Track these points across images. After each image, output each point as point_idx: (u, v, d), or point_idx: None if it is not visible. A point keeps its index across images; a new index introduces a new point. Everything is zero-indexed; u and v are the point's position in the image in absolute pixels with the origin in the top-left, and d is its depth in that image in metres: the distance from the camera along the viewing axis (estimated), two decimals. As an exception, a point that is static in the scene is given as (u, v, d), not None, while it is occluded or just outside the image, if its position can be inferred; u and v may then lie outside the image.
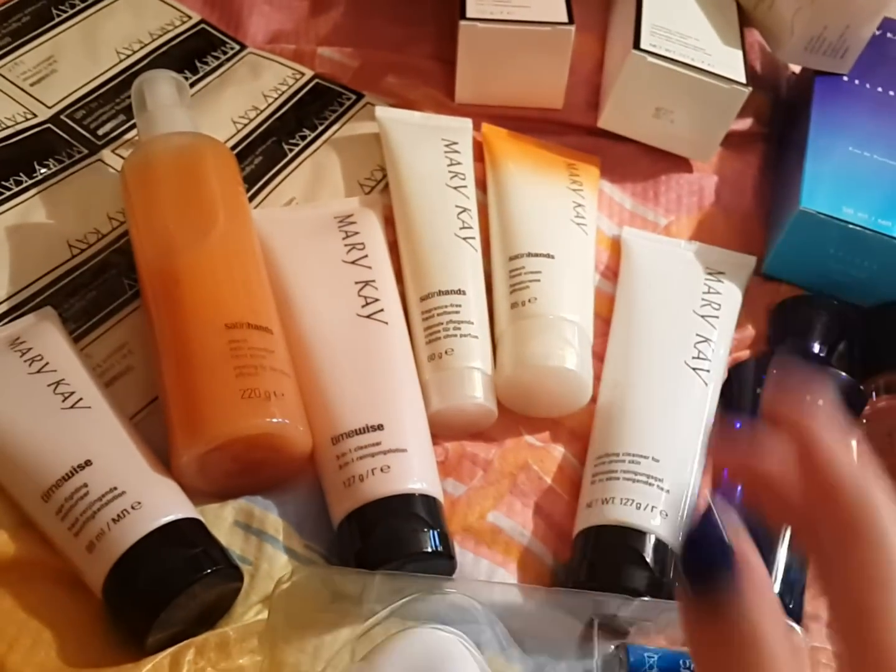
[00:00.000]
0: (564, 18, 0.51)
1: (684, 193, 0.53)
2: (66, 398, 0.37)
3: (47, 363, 0.39)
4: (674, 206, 0.52)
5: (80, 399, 0.38)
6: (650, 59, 0.49)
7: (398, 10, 0.58)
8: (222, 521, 0.38)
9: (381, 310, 0.42)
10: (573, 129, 0.54)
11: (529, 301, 0.43)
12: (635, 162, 0.53)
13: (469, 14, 0.50)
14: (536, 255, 0.45)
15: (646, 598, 0.35)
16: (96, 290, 0.44)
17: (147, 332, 0.41)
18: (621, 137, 0.53)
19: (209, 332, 0.38)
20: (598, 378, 0.44)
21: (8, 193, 0.46)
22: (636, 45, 0.49)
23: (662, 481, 0.38)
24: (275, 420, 0.37)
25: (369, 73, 0.55)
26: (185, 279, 0.39)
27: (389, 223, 0.47)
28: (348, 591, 0.36)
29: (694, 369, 0.42)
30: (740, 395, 0.44)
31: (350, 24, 0.58)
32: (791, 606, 0.38)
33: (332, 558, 0.38)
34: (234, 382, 0.37)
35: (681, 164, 0.54)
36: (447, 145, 0.49)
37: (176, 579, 0.33)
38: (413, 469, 0.38)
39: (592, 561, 0.38)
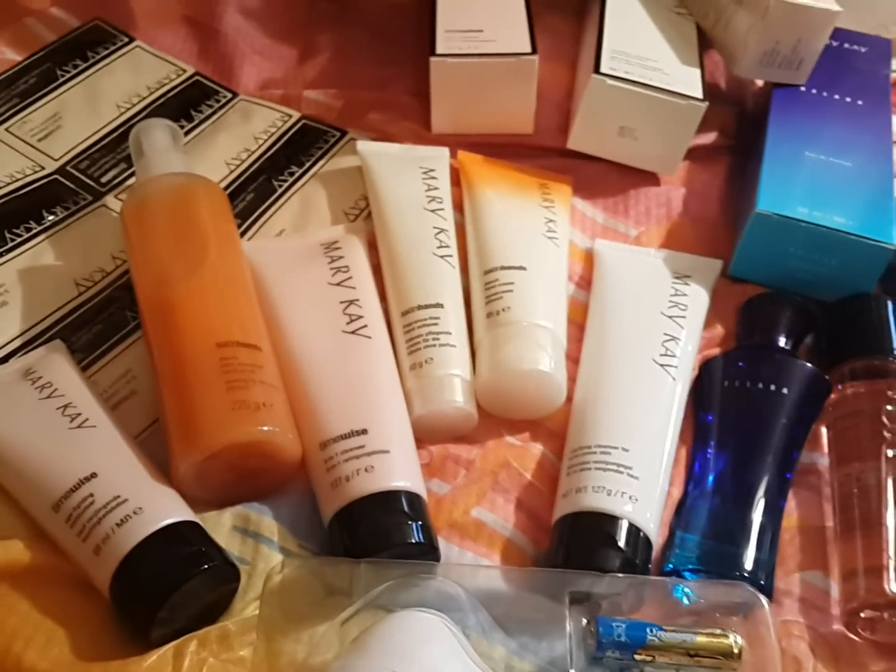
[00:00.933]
0: (528, 49, 0.54)
1: (653, 205, 0.56)
2: (73, 419, 0.41)
3: (56, 389, 0.42)
4: (643, 218, 0.55)
5: (87, 419, 0.41)
6: (610, 81, 0.52)
7: (378, 53, 0.62)
8: (221, 526, 0.40)
9: (365, 325, 0.45)
10: (545, 152, 0.57)
11: (504, 310, 0.46)
12: (605, 179, 0.56)
13: (439, 50, 0.54)
14: (509, 267, 0.48)
15: (616, 574, 0.38)
16: (102, 324, 0.47)
17: (148, 357, 0.44)
18: (592, 157, 0.56)
19: (202, 351, 0.42)
20: (574, 379, 0.47)
21: (19, 240, 0.50)
22: (596, 69, 0.53)
23: (632, 469, 0.41)
24: (265, 428, 0.40)
25: (352, 112, 0.59)
26: (180, 305, 0.43)
27: (373, 247, 0.50)
28: (338, 583, 0.38)
29: (662, 365, 0.45)
30: (710, 388, 0.46)
31: (335, 68, 0.62)
32: (763, 583, 0.40)
33: (324, 555, 0.40)
34: (226, 395, 0.40)
35: (649, 178, 0.57)
36: (425, 172, 0.52)
37: (175, 575, 0.36)
38: (396, 468, 0.40)
39: (568, 545, 0.40)
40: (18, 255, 0.49)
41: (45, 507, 0.38)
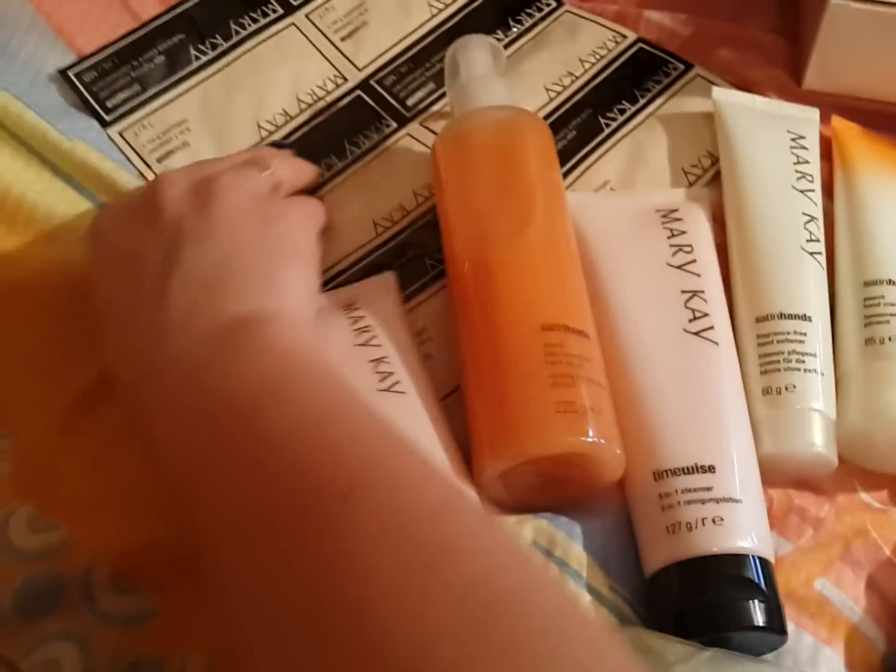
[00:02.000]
0: (956, 2, 0.43)
1: None
2: (383, 379, 0.35)
3: (374, 336, 0.37)
4: None
5: (397, 382, 0.35)
6: None
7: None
8: (520, 538, 0.34)
9: (711, 327, 0.37)
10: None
11: (890, 339, 0.37)
12: None
13: (840, -10, 0.43)
14: None
15: None
16: (398, 270, 0.41)
17: (452, 319, 0.38)
18: None
19: (523, 334, 0.35)
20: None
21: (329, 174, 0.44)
22: None
23: None
24: (591, 439, 0.33)
25: (702, 44, 0.49)
26: (501, 272, 0.36)
27: (718, 222, 0.42)
28: (659, 652, 0.32)
29: None
30: None
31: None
32: None
33: (639, 607, 0.34)
34: (549, 393, 0.34)
35: None
36: (793, 139, 0.43)
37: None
38: (746, 523, 0.33)
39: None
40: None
41: None
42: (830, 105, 0.45)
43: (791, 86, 0.46)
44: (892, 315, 0.37)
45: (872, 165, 0.42)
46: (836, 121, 0.45)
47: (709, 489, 0.33)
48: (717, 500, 0.33)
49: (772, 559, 0.33)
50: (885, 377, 0.36)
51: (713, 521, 0.33)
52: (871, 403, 0.36)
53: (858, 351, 0.37)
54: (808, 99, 0.45)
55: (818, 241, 0.40)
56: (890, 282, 0.38)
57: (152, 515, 0.33)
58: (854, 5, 0.43)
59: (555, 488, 0.35)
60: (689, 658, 0.31)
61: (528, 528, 0.34)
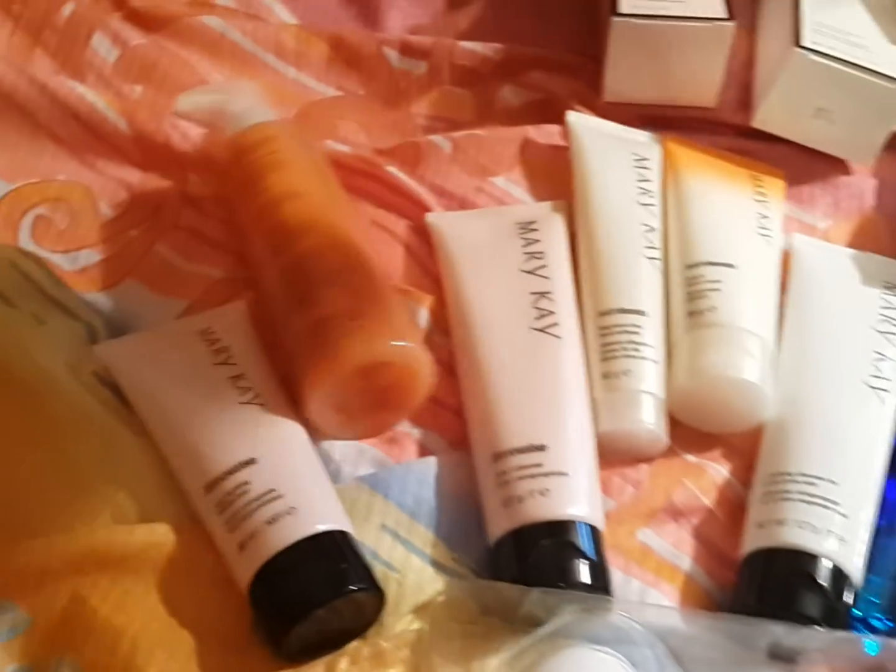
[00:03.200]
0: (723, 14, 0.48)
1: (843, 197, 0.50)
2: (243, 393, 0.38)
3: (230, 356, 0.39)
4: (832, 210, 0.50)
5: (257, 396, 0.38)
6: (813, 56, 0.46)
7: (537, 3, 0.57)
8: (370, 523, 0.37)
9: (556, 324, 0.41)
10: (725, 129, 0.51)
11: (708, 310, 0.41)
12: (791, 164, 0.50)
13: (622, 10, 0.48)
14: (717, 263, 0.43)
15: (817, 627, 0.34)
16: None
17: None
18: (775, 138, 0.50)
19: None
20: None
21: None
22: (798, 42, 0.47)
23: (839, 505, 0.36)
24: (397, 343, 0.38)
25: (513, 66, 0.53)
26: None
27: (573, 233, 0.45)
28: (500, 605, 0.35)
29: (873, 388, 0.40)
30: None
31: (489, 17, 0.56)
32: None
33: (482, 574, 0.37)
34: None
35: (838, 166, 0.51)
36: (637, 160, 0.47)
37: (317, 593, 0.33)
38: (573, 494, 0.36)
39: (763, 585, 0.36)
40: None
41: (199, 486, 0.36)
42: (629, 113, 0.50)
43: (593, 98, 0.51)
44: (709, 290, 0.42)
45: (696, 172, 0.47)
46: (669, 140, 0.49)
47: (539, 465, 0.36)
48: (546, 475, 0.36)
49: (600, 525, 0.37)
50: (706, 341, 0.41)
51: (540, 492, 0.36)
52: (694, 364, 0.40)
53: (684, 322, 0.42)
54: (608, 109, 0.50)
55: (656, 248, 0.44)
56: (708, 263, 0.43)
57: (24, 533, 0.34)
58: (633, 21, 0.48)
59: (379, 406, 0.39)
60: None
61: (375, 514, 0.37)
